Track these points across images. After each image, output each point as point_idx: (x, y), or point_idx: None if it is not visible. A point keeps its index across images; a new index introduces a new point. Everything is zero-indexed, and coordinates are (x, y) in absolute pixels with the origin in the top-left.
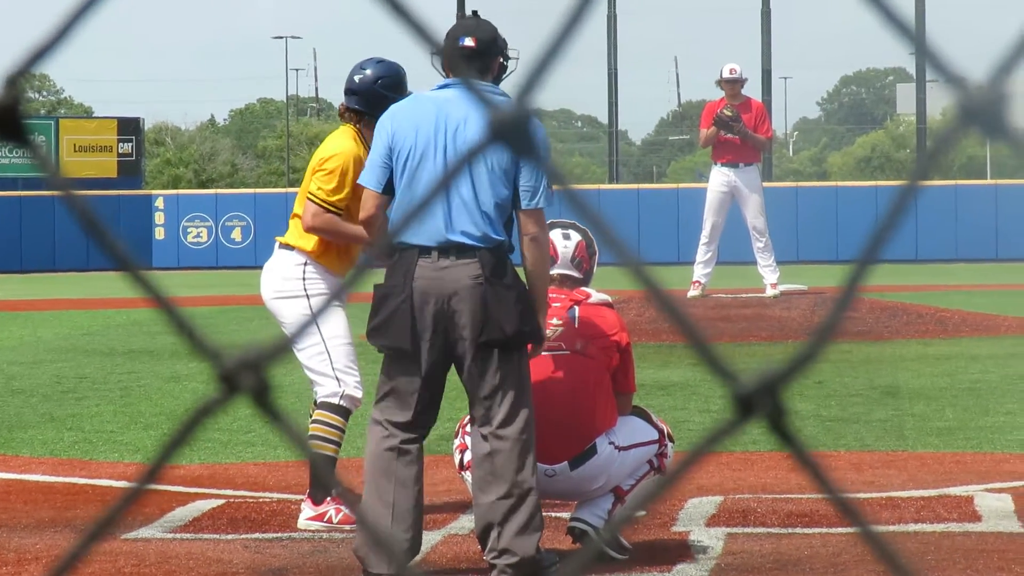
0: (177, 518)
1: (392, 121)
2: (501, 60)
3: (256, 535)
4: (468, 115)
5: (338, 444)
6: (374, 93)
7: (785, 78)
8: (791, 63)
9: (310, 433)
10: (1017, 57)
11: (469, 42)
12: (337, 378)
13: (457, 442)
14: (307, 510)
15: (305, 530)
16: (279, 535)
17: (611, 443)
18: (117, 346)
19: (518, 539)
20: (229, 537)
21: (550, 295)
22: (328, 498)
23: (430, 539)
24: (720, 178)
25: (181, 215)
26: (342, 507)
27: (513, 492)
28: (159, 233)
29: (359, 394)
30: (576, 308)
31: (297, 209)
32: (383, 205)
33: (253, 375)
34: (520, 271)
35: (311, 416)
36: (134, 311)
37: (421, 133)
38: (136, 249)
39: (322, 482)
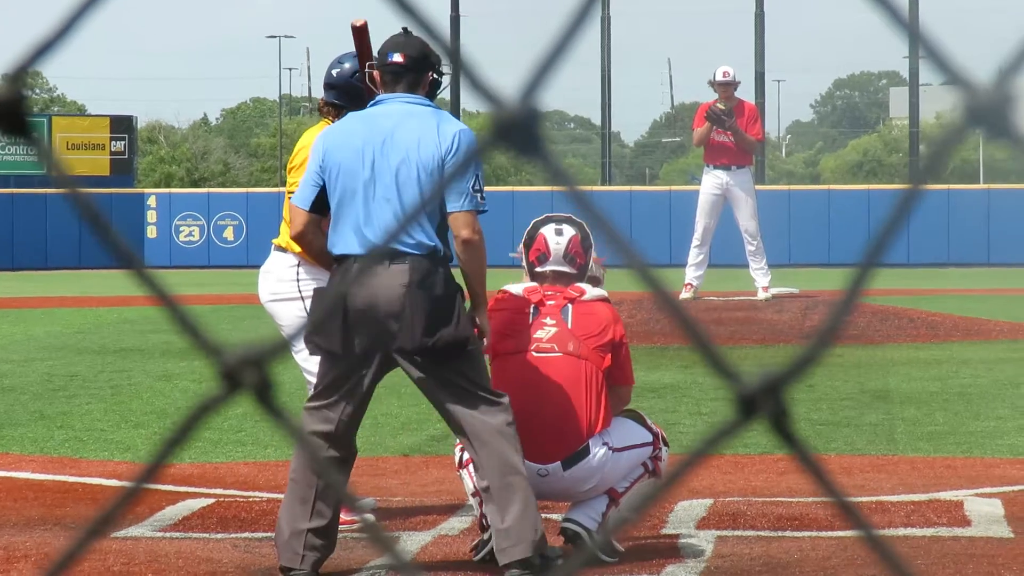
0: (167, 517)
1: (323, 140)
2: (433, 75)
3: (246, 534)
4: (396, 127)
5: None
6: (352, 87)
7: (779, 81)
8: (785, 66)
9: None
10: (1023, 58)
11: (398, 58)
12: None
13: (457, 439)
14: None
15: None
16: (269, 534)
17: (605, 444)
18: (108, 344)
19: (518, 525)
20: (219, 536)
21: (545, 291)
22: None
23: (420, 539)
24: (712, 180)
25: (173, 214)
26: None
27: (497, 483)
28: (151, 232)
29: None
30: (570, 307)
31: (286, 211)
32: (311, 223)
33: (255, 372)
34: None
35: None
36: (125, 309)
37: (349, 148)
38: (128, 247)
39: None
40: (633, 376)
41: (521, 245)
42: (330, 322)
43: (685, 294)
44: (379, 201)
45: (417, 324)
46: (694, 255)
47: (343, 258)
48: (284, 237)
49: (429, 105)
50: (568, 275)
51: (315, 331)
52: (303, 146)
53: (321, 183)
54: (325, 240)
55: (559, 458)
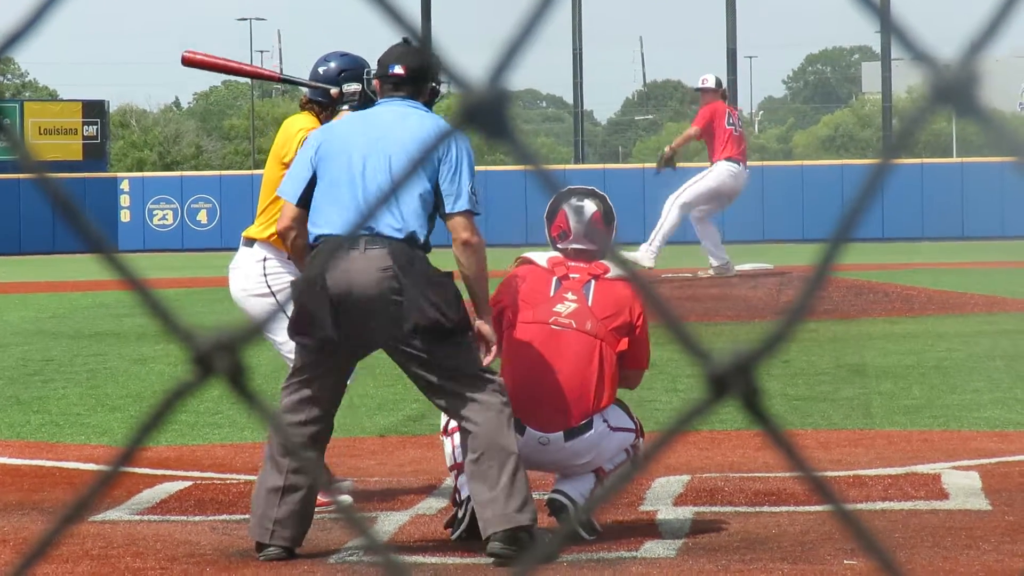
0: (144, 500)
1: (320, 135)
2: (433, 85)
3: (223, 516)
4: (394, 122)
5: None
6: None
7: (750, 57)
8: (756, 42)
9: None
10: (988, 36)
11: (399, 70)
12: None
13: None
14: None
15: None
16: (246, 516)
17: (605, 421)
18: (83, 329)
19: (504, 497)
20: (196, 519)
21: (569, 264)
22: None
23: (398, 519)
24: (739, 180)
25: (147, 197)
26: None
27: (486, 458)
28: (125, 216)
29: None
30: (592, 283)
31: (263, 201)
32: (299, 218)
33: (228, 357)
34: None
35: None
36: (100, 294)
37: (344, 139)
38: (102, 232)
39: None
40: (648, 360)
41: (545, 218)
42: (316, 310)
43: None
44: (371, 189)
45: (407, 309)
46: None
47: (323, 238)
48: (255, 228)
49: (427, 110)
50: (590, 252)
51: (296, 324)
52: (292, 137)
53: (311, 174)
54: (307, 244)
55: (562, 429)
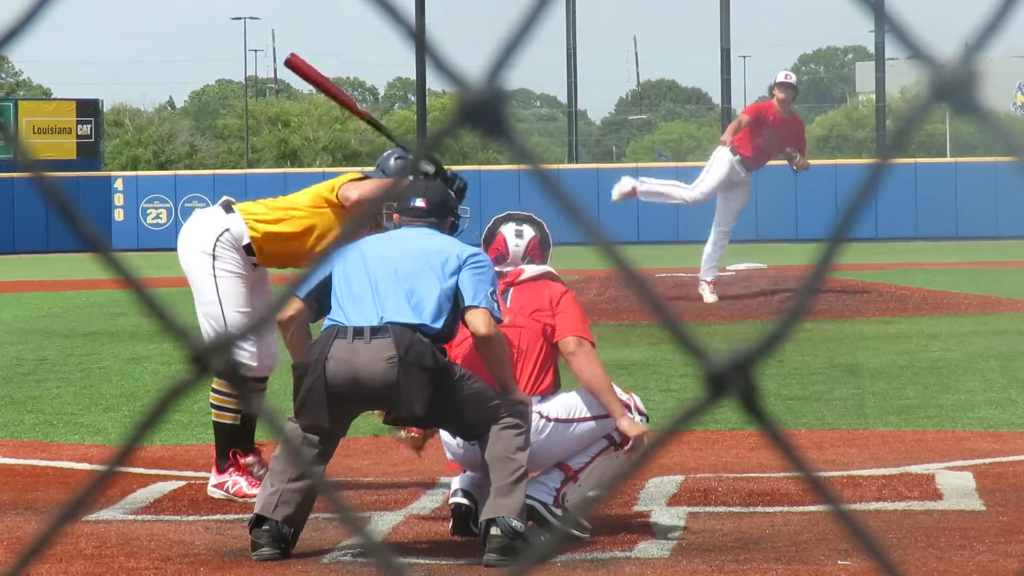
0: (138, 500)
1: (347, 250)
2: (452, 220)
3: (217, 516)
4: (416, 237)
5: (236, 411)
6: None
7: (744, 57)
8: (750, 42)
9: (210, 402)
10: (987, 35)
11: (419, 203)
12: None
13: None
14: (212, 478)
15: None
16: (240, 516)
17: (538, 412)
18: (77, 328)
19: (511, 491)
20: (190, 518)
21: None
22: (231, 468)
23: (391, 519)
24: (736, 169)
25: (140, 196)
26: (239, 479)
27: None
28: (119, 215)
29: (254, 364)
30: (510, 290)
31: (280, 203)
32: (301, 313)
33: (223, 356)
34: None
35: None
36: (94, 293)
37: (365, 246)
38: (96, 231)
39: (222, 450)
40: (583, 330)
41: (481, 242)
42: (312, 398)
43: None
44: (388, 285)
45: (414, 395)
46: (722, 236)
47: (333, 328)
48: (252, 217)
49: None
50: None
51: (299, 410)
52: (361, 189)
53: (327, 282)
54: (306, 339)
55: None
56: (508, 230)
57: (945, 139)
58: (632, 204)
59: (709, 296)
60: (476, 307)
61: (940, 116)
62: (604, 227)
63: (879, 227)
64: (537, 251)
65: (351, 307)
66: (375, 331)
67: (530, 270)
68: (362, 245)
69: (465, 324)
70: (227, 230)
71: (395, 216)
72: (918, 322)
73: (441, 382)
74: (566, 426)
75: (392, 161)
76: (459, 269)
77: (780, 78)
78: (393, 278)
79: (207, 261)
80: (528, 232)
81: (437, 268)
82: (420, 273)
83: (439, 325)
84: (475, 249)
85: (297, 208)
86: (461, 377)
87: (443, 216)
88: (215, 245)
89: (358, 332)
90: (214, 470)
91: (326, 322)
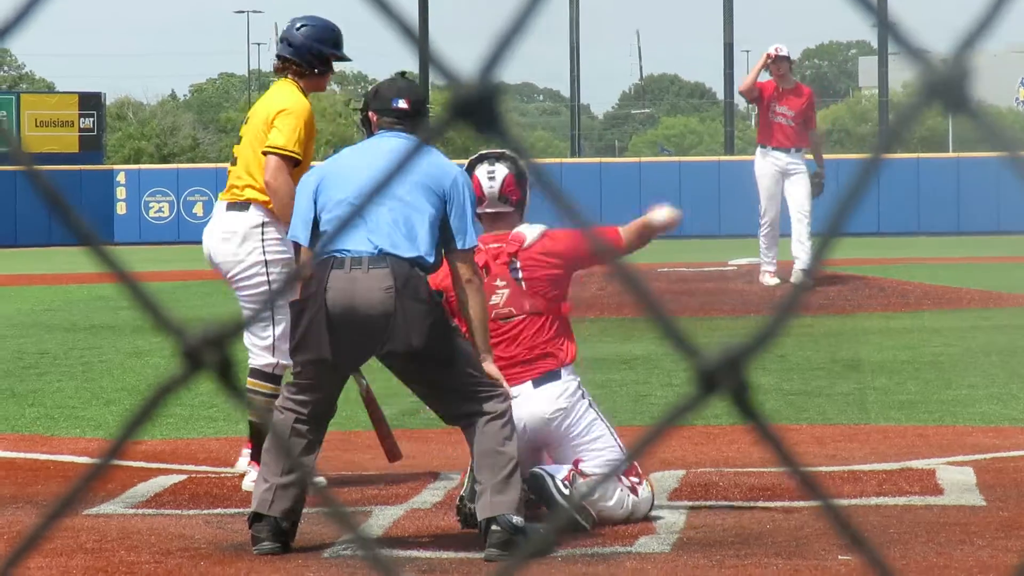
0: (139, 493)
1: (318, 171)
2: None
3: (218, 510)
4: (395, 149)
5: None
6: (308, 48)
7: (747, 51)
8: (753, 36)
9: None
10: (980, 31)
11: (403, 104)
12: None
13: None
14: (251, 472)
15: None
16: (241, 510)
17: (582, 393)
18: (79, 321)
19: (505, 487)
20: (191, 512)
21: (489, 247)
22: None
23: (392, 513)
24: (771, 163)
25: (143, 190)
26: None
27: (489, 460)
28: (121, 208)
29: (285, 360)
30: (516, 261)
31: (243, 167)
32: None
33: (216, 351)
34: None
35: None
36: (96, 286)
37: (345, 165)
38: (98, 224)
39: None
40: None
41: None
42: (314, 331)
43: (771, 280)
44: (379, 210)
45: (412, 327)
46: (768, 241)
47: (322, 259)
48: (247, 190)
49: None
50: (505, 214)
51: (298, 346)
52: (292, 103)
53: (314, 215)
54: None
55: (529, 379)
56: (481, 172)
57: (948, 134)
58: (636, 199)
59: (770, 280)
60: (465, 250)
61: (939, 112)
62: (607, 222)
63: (881, 222)
64: (513, 187)
65: (343, 235)
66: (372, 260)
67: (530, 235)
68: (341, 164)
69: (450, 264)
70: (264, 223)
71: (371, 114)
72: (920, 317)
73: (437, 318)
74: (594, 422)
75: (295, 30)
76: (447, 197)
77: (770, 51)
78: (382, 201)
79: (260, 271)
80: (501, 171)
81: (427, 193)
82: (411, 201)
83: (432, 259)
84: (457, 170)
85: (259, 170)
86: (456, 328)
87: (420, 118)
88: (263, 248)
89: (356, 261)
90: (251, 464)
91: (317, 252)
